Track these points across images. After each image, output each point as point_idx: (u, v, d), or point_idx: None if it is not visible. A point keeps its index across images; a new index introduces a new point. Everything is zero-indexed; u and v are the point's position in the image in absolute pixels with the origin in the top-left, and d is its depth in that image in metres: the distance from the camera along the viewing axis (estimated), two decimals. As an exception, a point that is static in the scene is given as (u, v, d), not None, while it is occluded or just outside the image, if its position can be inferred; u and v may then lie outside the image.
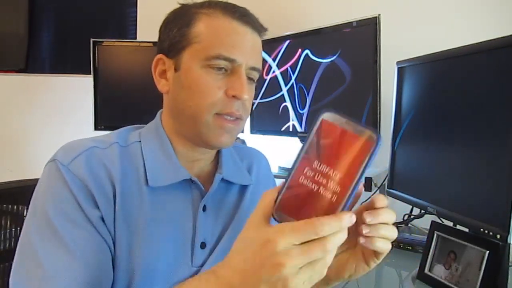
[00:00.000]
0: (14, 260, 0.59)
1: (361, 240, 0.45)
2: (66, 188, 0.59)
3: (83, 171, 0.61)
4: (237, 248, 0.46)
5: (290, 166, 0.44)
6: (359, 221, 0.44)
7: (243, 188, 0.77)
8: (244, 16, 0.67)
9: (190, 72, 0.66)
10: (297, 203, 0.43)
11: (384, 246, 0.46)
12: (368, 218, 0.44)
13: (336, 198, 0.41)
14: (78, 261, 0.57)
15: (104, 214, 0.61)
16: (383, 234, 0.45)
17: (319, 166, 0.42)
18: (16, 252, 0.59)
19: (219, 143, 0.67)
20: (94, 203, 0.60)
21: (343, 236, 0.41)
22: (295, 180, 0.43)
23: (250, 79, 0.68)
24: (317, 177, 0.42)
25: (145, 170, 0.66)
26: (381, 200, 0.46)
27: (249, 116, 0.73)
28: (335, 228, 0.41)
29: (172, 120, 0.70)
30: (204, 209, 0.69)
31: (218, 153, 0.76)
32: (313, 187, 0.42)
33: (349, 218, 0.41)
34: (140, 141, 0.69)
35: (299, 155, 0.44)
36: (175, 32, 0.67)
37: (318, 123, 0.43)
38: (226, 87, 0.65)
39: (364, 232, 0.44)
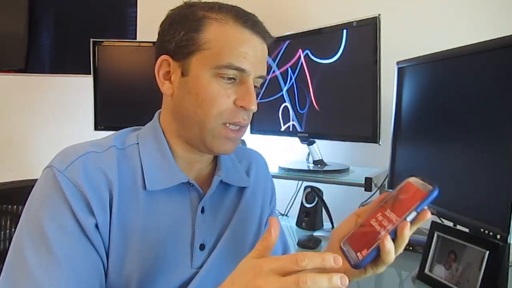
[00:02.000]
0: (5, 263, 0.58)
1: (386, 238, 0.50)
2: (61, 194, 0.59)
3: (79, 176, 0.60)
4: (231, 274, 0.50)
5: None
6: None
7: (241, 189, 0.77)
8: (255, 25, 0.66)
9: (199, 79, 0.65)
10: (359, 237, 0.53)
11: (390, 259, 0.51)
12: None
13: (381, 237, 0.50)
14: (65, 271, 0.56)
15: (99, 221, 0.60)
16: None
17: (389, 214, 0.53)
18: (7, 255, 0.59)
19: (222, 151, 0.69)
20: (89, 210, 0.60)
21: (322, 280, 0.43)
22: (367, 221, 0.54)
23: (255, 86, 0.69)
24: (384, 221, 0.52)
25: (142, 173, 0.65)
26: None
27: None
28: (315, 263, 0.45)
29: (174, 122, 0.70)
30: (202, 211, 0.70)
31: (217, 155, 0.76)
32: (376, 228, 0.52)
33: (331, 260, 0.45)
34: (137, 143, 0.69)
35: (380, 203, 0.56)
36: (183, 35, 0.65)
37: (403, 184, 0.55)
38: (234, 96, 0.65)
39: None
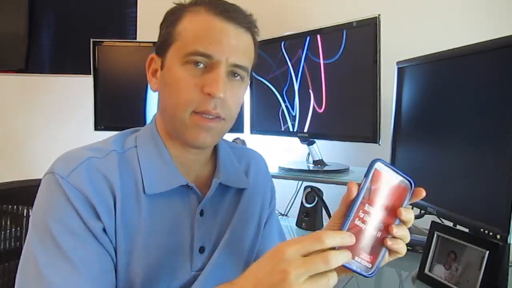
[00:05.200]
0: (17, 277, 0.58)
1: (388, 242, 0.51)
2: (67, 201, 0.59)
3: (83, 182, 0.60)
4: (256, 262, 0.50)
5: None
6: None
7: (240, 190, 0.77)
8: (226, 11, 0.65)
9: (170, 70, 0.65)
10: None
11: (403, 250, 0.52)
12: (395, 229, 0.51)
13: (381, 233, 0.51)
14: (83, 276, 0.57)
15: (105, 225, 0.61)
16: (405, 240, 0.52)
17: (369, 209, 0.51)
18: (19, 267, 0.59)
19: (197, 141, 0.66)
20: (95, 215, 0.60)
21: (344, 256, 0.47)
22: (353, 222, 0.51)
23: (235, 76, 0.67)
24: (367, 218, 0.51)
25: (142, 177, 0.65)
26: (410, 213, 0.52)
27: (236, 115, 0.70)
28: (336, 241, 0.47)
29: (161, 120, 0.70)
30: (201, 213, 0.69)
31: (215, 155, 0.76)
32: (364, 227, 0.50)
33: (349, 237, 0.48)
34: (136, 147, 0.68)
35: (357, 199, 0.51)
36: (164, 31, 0.68)
37: (372, 171, 0.52)
38: (202, 84, 0.63)
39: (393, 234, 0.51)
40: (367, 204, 0.51)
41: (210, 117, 0.64)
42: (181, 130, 0.65)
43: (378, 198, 0.51)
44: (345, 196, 0.52)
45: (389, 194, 0.52)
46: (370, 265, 0.50)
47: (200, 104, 0.63)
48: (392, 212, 0.51)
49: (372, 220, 0.51)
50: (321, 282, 0.46)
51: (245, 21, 0.67)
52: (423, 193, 0.52)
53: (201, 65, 0.64)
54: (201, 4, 0.66)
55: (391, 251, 0.52)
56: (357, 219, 0.50)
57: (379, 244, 0.50)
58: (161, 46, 0.68)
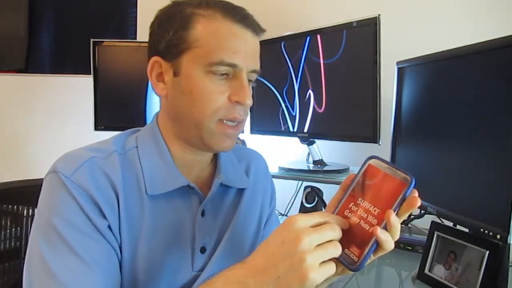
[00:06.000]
0: (24, 278, 0.58)
1: (378, 230, 0.48)
2: (71, 199, 0.59)
3: (87, 181, 0.60)
4: (266, 239, 0.52)
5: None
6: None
7: (241, 190, 0.77)
8: (244, 19, 0.65)
9: (191, 78, 0.64)
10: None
11: (390, 246, 0.49)
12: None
13: (373, 229, 0.49)
14: (92, 271, 0.57)
15: (110, 223, 0.61)
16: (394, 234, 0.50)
17: (362, 203, 0.52)
18: (25, 269, 0.58)
19: (221, 148, 0.68)
20: (100, 213, 0.60)
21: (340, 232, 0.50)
22: (341, 212, 0.53)
23: (249, 81, 0.68)
24: (360, 212, 0.51)
25: (143, 178, 0.65)
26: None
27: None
28: (338, 221, 0.51)
29: (171, 123, 0.69)
30: (202, 214, 0.69)
31: (216, 156, 0.76)
32: (355, 220, 0.51)
33: (344, 223, 0.51)
34: (136, 147, 0.68)
35: (347, 191, 0.53)
36: (172, 35, 0.64)
37: (365, 166, 0.53)
38: (228, 92, 0.64)
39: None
40: (360, 198, 0.52)
41: (234, 124, 0.66)
42: (206, 137, 0.66)
43: (372, 193, 0.51)
44: (343, 183, 0.55)
45: (385, 191, 0.51)
46: (356, 259, 0.49)
47: (228, 112, 0.65)
48: (387, 207, 0.50)
49: (365, 214, 0.51)
50: (330, 246, 0.48)
51: (257, 27, 0.68)
52: (417, 203, 0.50)
53: (225, 74, 0.64)
54: (215, 8, 0.65)
55: (377, 247, 0.49)
56: (347, 210, 0.52)
57: (370, 240, 0.49)
58: (169, 51, 0.65)
